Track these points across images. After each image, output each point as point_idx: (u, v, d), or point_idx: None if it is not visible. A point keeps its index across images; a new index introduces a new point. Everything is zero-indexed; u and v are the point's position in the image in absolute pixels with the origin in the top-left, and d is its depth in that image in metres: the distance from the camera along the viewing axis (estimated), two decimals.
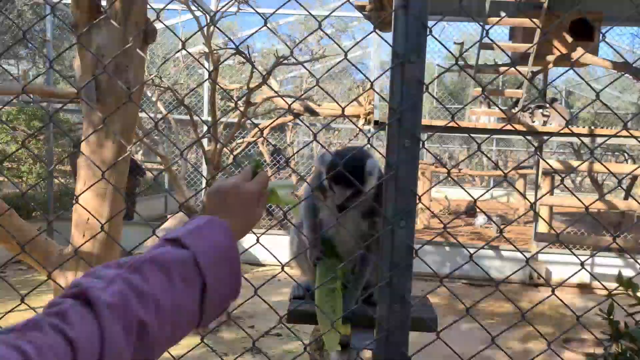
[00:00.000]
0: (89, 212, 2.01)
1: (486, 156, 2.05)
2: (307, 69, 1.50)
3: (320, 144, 1.78)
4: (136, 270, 0.78)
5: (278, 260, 1.21)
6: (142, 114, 8.36)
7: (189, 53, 5.15)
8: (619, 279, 1.00)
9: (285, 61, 4.41)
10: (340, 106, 1.25)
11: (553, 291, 1.09)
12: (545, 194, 6.79)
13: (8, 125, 7.74)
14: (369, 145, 1.13)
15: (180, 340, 0.84)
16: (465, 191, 1.48)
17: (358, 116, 6.33)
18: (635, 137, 1.41)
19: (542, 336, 1.10)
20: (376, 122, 5.37)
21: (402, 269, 0.95)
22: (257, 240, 1.17)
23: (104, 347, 0.69)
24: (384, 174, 0.97)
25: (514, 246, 1.28)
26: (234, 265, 0.86)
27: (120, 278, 0.76)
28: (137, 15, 2.38)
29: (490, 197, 16.77)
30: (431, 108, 14.67)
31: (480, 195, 1.96)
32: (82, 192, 2.35)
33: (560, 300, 1.17)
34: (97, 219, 2.12)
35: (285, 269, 1.12)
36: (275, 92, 5.32)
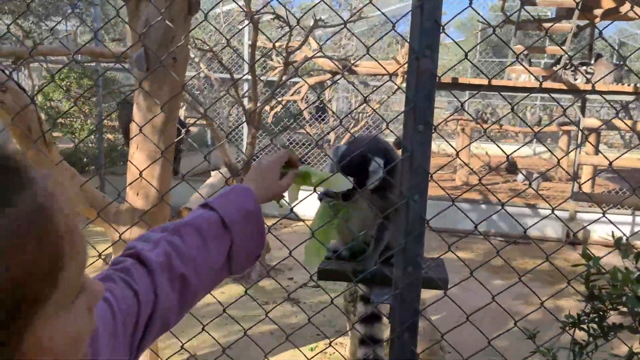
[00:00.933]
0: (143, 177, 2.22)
1: (518, 116, 2.12)
2: (348, 30, 1.61)
3: (370, 106, 1.92)
4: (176, 232, 0.98)
5: (303, 224, 1.38)
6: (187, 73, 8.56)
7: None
8: (617, 242, 1.11)
9: (323, 24, 4.47)
10: (385, 68, 1.36)
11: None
12: (569, 152, 6.69)
13: (62, 87, 8.12)
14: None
15: (214, 287, 1.03)
16: (499, 147, 1.58)
17: (396, 74, 6.34)
18: None
19: (576, 291, 1.19)
20: None
21: (415, 236, 1.09)
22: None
23: (157, 296, 0.89)
24: (398, 157, 1.10)
25: (548, 204, 1.38)
26: (257, 223, 1.03)
27: (165, 240, 0.96)
28: None
29: (533, 154, 16.45)
30: (473, 63, 14.31)
31: (514, 151, 2.02)
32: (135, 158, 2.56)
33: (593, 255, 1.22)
34: (149, 183, 2.34)
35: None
36: (316, 52, 5.37)
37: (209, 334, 1.80)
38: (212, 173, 6.78)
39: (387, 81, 1.81)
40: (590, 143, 7.18)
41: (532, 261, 6.09)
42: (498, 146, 1.67)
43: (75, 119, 9.76)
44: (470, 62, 1.33)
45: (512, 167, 12.24)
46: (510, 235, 7.22)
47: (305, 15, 8.10)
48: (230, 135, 9.09)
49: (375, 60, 3.21)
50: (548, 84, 5.28)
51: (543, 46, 9.42)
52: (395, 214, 1.12)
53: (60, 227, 0.53)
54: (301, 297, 4.80)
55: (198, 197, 6.24)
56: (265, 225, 1.06)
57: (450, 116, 7.04)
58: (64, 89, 8.04)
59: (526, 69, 2.51)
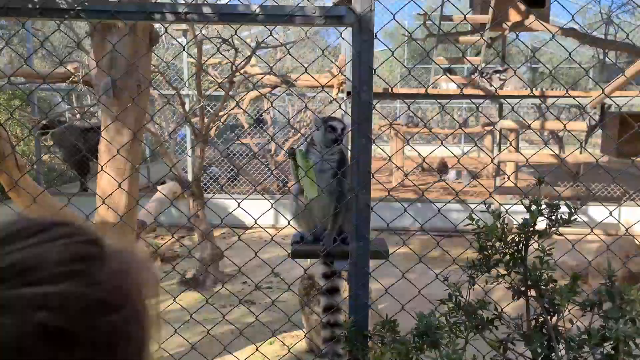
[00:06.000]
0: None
1: (452, 117, 2.58)
2: (287, 51, 2.04)
3: (312, 112, 2.38)
4: None
5: (286, 220, 1.76)
6: None
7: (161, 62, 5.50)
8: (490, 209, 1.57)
9: (264, 44, 4.85)
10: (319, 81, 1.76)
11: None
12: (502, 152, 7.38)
13: None
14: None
15: None
16: (413, 150, 2.04)
17: (332, 86, 6.81)
18: (573, 97, 1.89)
19: (502, 278, 1.62)
20: (348, 93, 5.86)
21: (363, 218, 1.50)
22: (239, 205, 1.71)
23: None
24: (349, 160, 1.53)
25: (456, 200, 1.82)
26: None
27: None
28: (143, 23, 2.82)
29: (462, 153, 17.51)
30: (403, 71, 15.12)
31: (432, 151, 2.47)
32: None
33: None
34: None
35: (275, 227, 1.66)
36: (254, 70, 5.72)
37: (182, 336, 2.11)
38: (159, 187, 6.96)
39: (319, 92, 2.29)
40: (510, 142, 7.95)
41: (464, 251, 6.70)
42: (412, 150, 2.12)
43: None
44: (405, 66, 1.76)
45: (443, 167, 13.08)
46: (444, 230, 7.84)
47: (240, 30, 8.43)
48: (175, 150, 9.24)
49: (312, 77, 3.61)
50: (468, 91, 5.92)
51: (461, 57, 10.23)
52: (347, 204, 1.52)
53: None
54: (256, 299, 5.11)
55: (145, 212, 6.41)
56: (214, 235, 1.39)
57: (392, 124, 7.57)
58: None
59: (450, 78, 3.00)
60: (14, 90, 9.24)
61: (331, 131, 2.13)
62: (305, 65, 1.91)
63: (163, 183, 7.16)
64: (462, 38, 6.01)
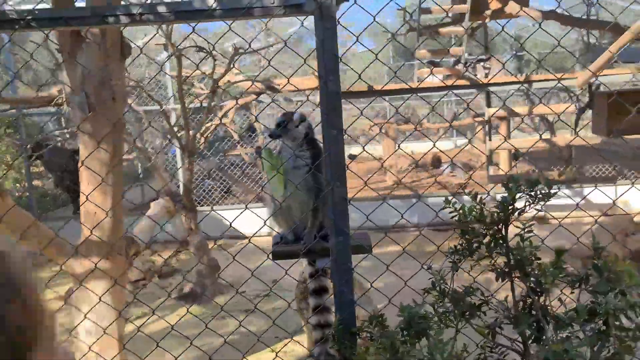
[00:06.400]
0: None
1: (438, 113, 2.54)
2: (264, 57, 2.01)
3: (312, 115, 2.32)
4: None
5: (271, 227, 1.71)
6: None
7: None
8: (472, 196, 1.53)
9: (242, 50, 4.81)
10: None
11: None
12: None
13: None
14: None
15: None
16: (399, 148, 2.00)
17: (317, 88, 6.76)
18: (559, 80, 1.85)
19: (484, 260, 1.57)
20: None
21: (341, 212, 1.45)
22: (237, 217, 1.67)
23: None
24: (322, 151, 1.49)
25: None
26: None
27: None
28: (112, 34, 2.77)
29: (454, 147, 17.50)
30: (389, 69, 15.12)
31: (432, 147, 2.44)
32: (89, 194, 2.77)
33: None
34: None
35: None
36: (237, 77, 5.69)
37: (168, 352, 2.06)
38: (152, 204, 6.90)
39: (309, 95, 2.22)
40: (499, 132, 7.93)
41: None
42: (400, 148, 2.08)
43: None
44: (387, 65, 1.71)
45: (436, 162, 13.06)
46: (441, 224, 7.80)
47: (222, 41, 8.40)
48: (165, 165, 9.18)
49: (292, 84, 3.58)
50: (453, 82, 5.89)
51: (446, 48, 10.22)
52: (324, 199, 1.47)
53: None
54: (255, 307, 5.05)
55: (141, 227, 6.35)
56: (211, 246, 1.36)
57: (385, 123, 7.53)
58: None
59: (431, 71, 2.96)
60: (1, 118, 9.20)
61: (285, 124, 2.12)
62: (289, 70, 1.89)
63: (156, 199, 7.11)
64: (442, 30, 5.99)
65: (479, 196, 1.49)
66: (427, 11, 5.88)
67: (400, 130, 13.02)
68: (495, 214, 1.43)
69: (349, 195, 1.54)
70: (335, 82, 1.41)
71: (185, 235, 5.76)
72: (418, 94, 5.46)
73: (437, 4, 5.16)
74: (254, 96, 7.06)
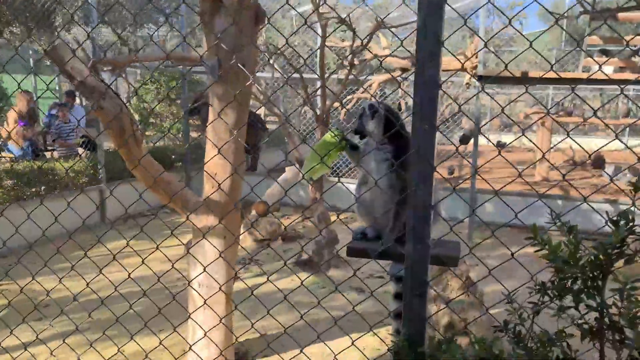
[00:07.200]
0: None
1: (589, 105, 2.20)
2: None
3: (451, 98, 2.17)
4: None
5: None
6: (262, 74, 9.03)
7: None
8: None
9: (385, 25, 4.64)
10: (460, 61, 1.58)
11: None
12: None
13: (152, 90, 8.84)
14: None
15: None
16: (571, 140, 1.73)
17: (466, 69, 6.36)
18: None
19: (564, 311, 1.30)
20: (480, 77, 5.41)
21: (421, 218, 1.28)
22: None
23: None
24: (409, 143, 1.34)
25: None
26: None
27: None
28: (249, 2, 2.81)
29: (625, 147, 15.50)
30: (558, 54, 13.75)
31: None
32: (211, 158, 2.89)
33: None
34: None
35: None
36: (377, 55, 5.53)
37: (274, 318, 2.07)
38: (287, 169, 7.15)
39: (451, 75, 2.03)
40: None
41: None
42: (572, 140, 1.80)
43: (164, 119, 10.59)
44: (538, 52, 1.48)
45: (598, 162, 11.69)
46: (587, 231, 6.99)
47: (370, 15, 8.25)
48: (305, 134, 9.44)
49: (450, 52, 3.35)
50: (625, 75, 5.11)
51: (620, 37, 8.94)
52: (404, 200, 1.32)
53: None
54: (366, 287, 5.00)
55: (272, 191, 6.63)
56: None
57: (547, 113, 6.91)
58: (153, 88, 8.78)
59: (599, 64, 2.55)
60: (173, 73, 10.20)
61: (359, 117, 2.00)
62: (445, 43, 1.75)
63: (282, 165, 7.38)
64: (622, 14, 5.18)
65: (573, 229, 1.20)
66: None
67: (561, 123, 11.81)
68: (594, 257, 1.15)
69: (496, 187, 1.40)
70: (435, 67, 1.23)
71: (311, 203, 5.88)
72: (585, 85, 4.84)
73: None
74: (399, 72, 6.86)
